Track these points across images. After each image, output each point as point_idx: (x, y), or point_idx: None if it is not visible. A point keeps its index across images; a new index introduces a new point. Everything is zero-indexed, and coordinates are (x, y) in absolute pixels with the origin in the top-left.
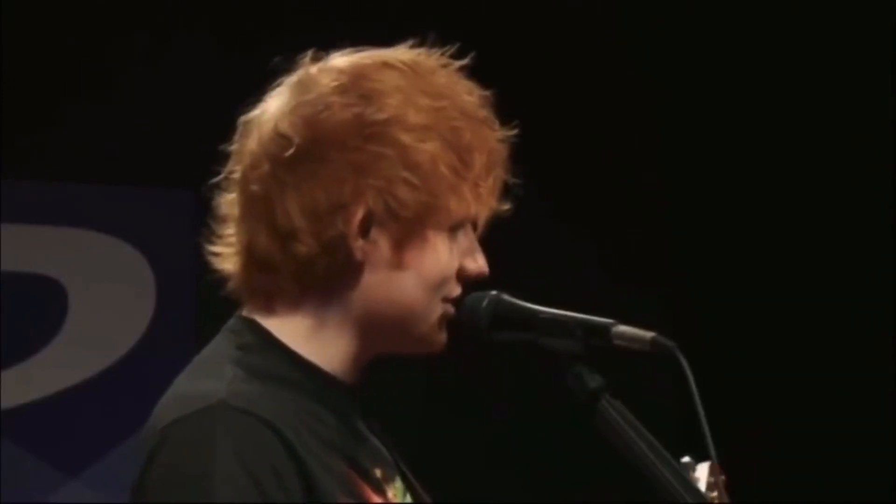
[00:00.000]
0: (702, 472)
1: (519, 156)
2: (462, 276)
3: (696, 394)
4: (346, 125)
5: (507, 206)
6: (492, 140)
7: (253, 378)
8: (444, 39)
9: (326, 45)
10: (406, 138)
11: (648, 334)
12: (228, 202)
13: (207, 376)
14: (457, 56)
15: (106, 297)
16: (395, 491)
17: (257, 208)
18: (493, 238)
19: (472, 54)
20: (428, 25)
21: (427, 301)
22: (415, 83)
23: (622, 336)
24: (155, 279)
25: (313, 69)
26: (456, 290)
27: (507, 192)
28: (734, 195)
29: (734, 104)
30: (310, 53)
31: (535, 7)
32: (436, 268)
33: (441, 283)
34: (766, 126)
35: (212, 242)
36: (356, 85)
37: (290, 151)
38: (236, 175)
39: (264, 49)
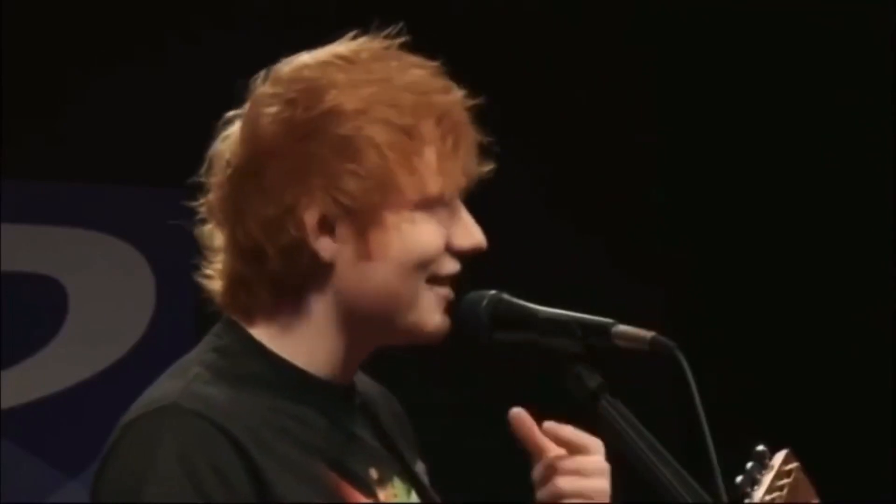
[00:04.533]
0: (776, 460)
1: (519, 155)
2: (456, 252)
3: (696, 393)
4: (276, 133)
5: (488, 168)
6: (441, 105)
7: (219, 380)
8: (449, 40)
9: (321, 41)
10: (343, 129)
11: (648, 334)
12: (208, 233)
13: (173, 378)
14: (400, 34)
15: (106, 297)
16: (396, 490)
17: (225, 233)
18: (492, 237)
19: (473, 53)
20: (429, 22)
21: (408, 286)
22: (352, 75)
23: (622, 336)
24: (155, 279)
25: (262, 87)
26: (446, 268)
27: (485, 153)
28: (734, 192)
29: (735, 99)
30: (262, 73)
31: (541, 5)
32: (406, 250)
33: (420, 264)
34: (768, 121)
35: (204, 267)
36: (288, 90)
37: (231, 173)
38: (204, 208)
39: (266, 47)
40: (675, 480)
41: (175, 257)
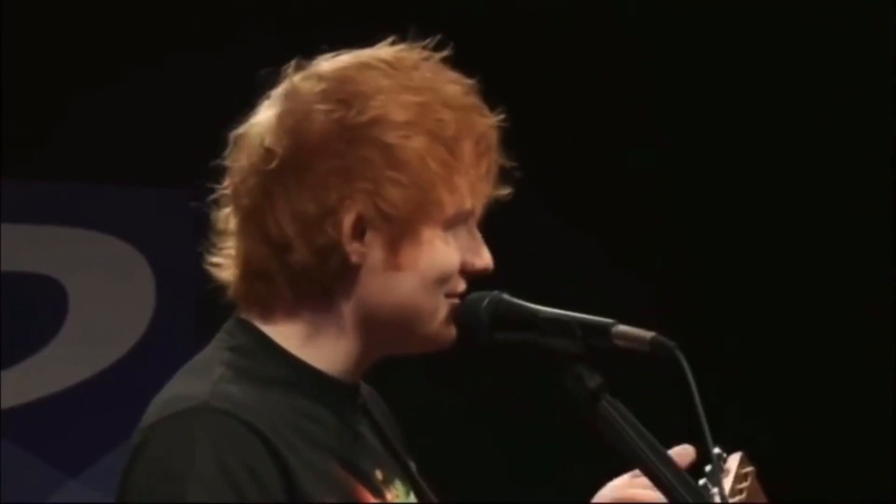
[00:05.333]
0: (732, 464)
1: (519, 155)
2: (466, 272)
3: (696, 393)
4: (328, 131)
5: (506, 192)
6: (480, 126)
7: (241, 379)
8: (449, 39)
9: (321, 41)
10: (390, 138)
11: (648, 334)
12: (224, 217)
13: (195, 378)
14: (439, 48)
15: (106, 297)
16: (397, 492)
17: (250, 221)
18: (492, 237)
19: (476, 58)
20: (429, 23)
21: (429, 300)
22: (396, 81)
23: (622, 336)
24: (155, 279)
25: (297, 78)
26: (460, 286)
27: (504, 176)
28: (735, 191)
29: (735, 99)
30: (293, 63)
31: (536, 5)
32: (434, 266)
33: (441, 280)
34: (768, 121)
35: (211, 254)
36: (337, 90)
37: (275, 163)
38: (229, 190)
39: (265, 47)
40: (675, 480)
41: (175, 257)
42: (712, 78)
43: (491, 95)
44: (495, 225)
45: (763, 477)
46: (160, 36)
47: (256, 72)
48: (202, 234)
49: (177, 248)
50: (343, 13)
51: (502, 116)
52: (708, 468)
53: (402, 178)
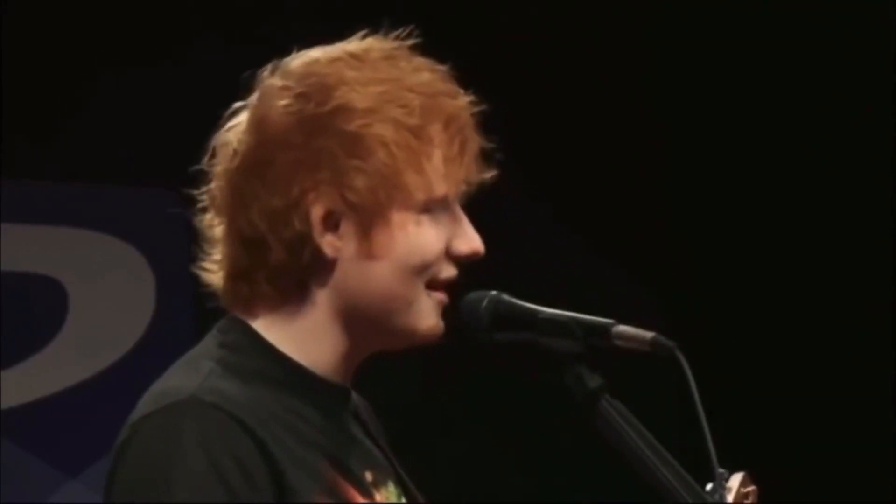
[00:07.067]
0: (734, 482)
1: (519, 156)
2: (454, 257)
3: (696, 394)
4: (288, 125)
5: (490, 174)
6: (449, 109)
7: (231, 375)
8: (444, 39)
9: (321, 42)
10: (351, 126)
11: (648, 334)
12: (207, 222)
13: (184, 372)
14: (412, 36)
15: (106, 297)
16: (389, 494)
17: (227, 222)
18: (493, 238)
19: (474, 55)
20: (431, 25)
21: (407, 288)
22: (362, 73)
23: (622, 336)
24: (155, 279)
25: (271, 79)
26: (444, 272)
27: (488, 159)
28: (735, 193)
29: (735, 101)
30: (269, 66)
31: (533, 8)
32: (411, 252)
33: (421, 266)
34: (770, 123)
35: (203, 260)
36: (299, 84)
37: (241, 162)
38: (207, 195)
39: (268, 48)
40: (675, 480)
41: (175, 257)
42: (714, 80)
43: (493, 99)
44: (495, 226)
45: (764, 477)
46: (161, 35)
47: (257, 71)
48: (195, 239)
49: (177, 248)
50: (346, 13)
51: (474, 98)
52: (709, 486)
53: (365, 165)
